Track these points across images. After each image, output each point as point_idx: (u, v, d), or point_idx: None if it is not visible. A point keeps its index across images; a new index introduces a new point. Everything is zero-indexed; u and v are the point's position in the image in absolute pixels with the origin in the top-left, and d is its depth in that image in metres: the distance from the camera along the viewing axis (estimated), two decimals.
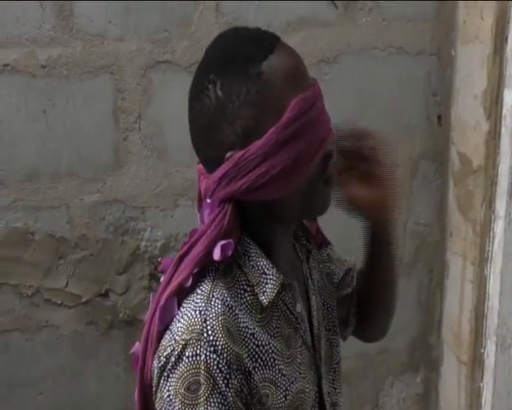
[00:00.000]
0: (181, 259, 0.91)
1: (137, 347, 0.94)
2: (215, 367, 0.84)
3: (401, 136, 1.99)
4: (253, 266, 0.93)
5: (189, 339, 0.85)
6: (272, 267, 0.93)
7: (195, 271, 0.90)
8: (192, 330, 0.86)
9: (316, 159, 0.90)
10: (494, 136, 1.84)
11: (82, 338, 1.85)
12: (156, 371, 0.88)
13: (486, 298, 1.92)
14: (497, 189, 1.85)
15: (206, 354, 0.84)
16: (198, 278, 0.91)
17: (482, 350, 1.96)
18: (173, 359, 0.85)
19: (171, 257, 0.94)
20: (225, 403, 0.84)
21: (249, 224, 0.94)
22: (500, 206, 1.84)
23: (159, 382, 0.87)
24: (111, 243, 1.82)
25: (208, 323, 0.86)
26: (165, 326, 0.90)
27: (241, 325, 0.90)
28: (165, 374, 0.86)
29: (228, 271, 0.92)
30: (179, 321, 0.88)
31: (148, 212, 1.83)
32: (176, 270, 0.91)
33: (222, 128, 0.90)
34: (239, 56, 0.89)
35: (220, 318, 0.86)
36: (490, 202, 1.87)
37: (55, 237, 1.79)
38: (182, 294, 0.90)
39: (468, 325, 2.00)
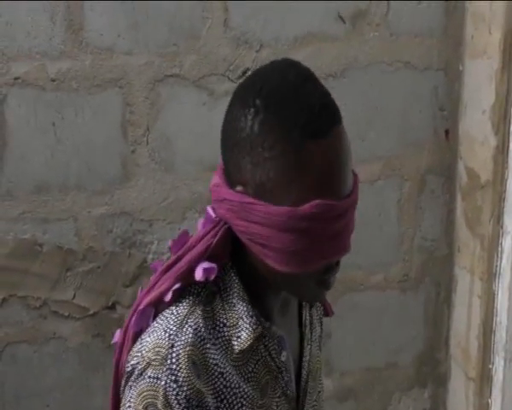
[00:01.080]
0: (167, 269, 0.90)
1: (117, 336, 0.95)
2: (173, 397, 0.82)
3: (409, 150, 1.99)
4: (234, 304, 0.88)
5: (153, 360, 0.84)
6: (251, 316, 0.88)
7: (177, 286, 0.88)
8: (157, 351, 0.84)
9: (316, 267, 0.84)
10: (502, 151, 1.84)
11: (89, 350, 1.85)
12: (125, 375, 0.87)
13: (494, 313, 1.91)
14: (506, 204, 1.85)
15: (166, 381, 0.82)
16: (179, 295, 0.88)
17: (490, 366, 1.95)
18: (136, 372, 0.85)
19: (163, 260, 0.94)
20: None
21: (242, 258, 0.90)
22: (508, 221, 1.84)
23: (124, 387, 0.87)
24: (118, 256, 1.83)
25: (174, 350, 0.83)
26: (139, 329, 0.89)
27: (211, 361, 0.86)
28: (129, 384, 0.86)
29: (210, 299, 0.89)
30: (149, 336, 0.86)
31: (156, 225, 1.84)
32: (160, 278, 0.90)
33: (246, 162, 0.83)
34: (295, 110, 0.80)
35: (188, 348, 0.84)
36: (498, 218, 1.87)
37: (62, 249, 1.79)
38: (161, 305, 0.89)
39: (475, 340, 1.99)
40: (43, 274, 1.79)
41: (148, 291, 0.91)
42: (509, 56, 1.79)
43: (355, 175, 0.87)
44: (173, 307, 0.88)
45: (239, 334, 0.88)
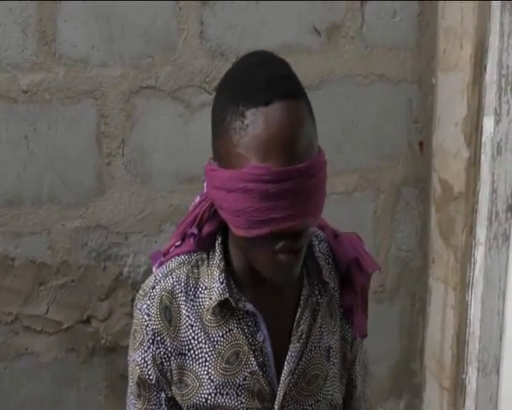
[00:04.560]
0: (177, 228, 1.10)
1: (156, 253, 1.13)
2: (144, 327, 1.02)
3: (383, 163, 2.01)
4: (213, 271, 1.02)
5: (140, 294, 1.05)
6: (221, 283, 1.00)
7: (178, 243, 1.08)
8: (144, 289, 1.05)
9: (263, 232, 0.90)
10: (474, 162, 1.86)
11: (62, 366, 1.82)
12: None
13: (468, 324, 1.93)
14: (478, 215, 1.87)
15: (142, 313, 1.02)
16: (177, 252, 1.06)
17: (464, 376, 1.96)
18: (135, 303, 1.06)
19: (157, 252, 1.12)
20: (146, 359, 1.02)
21: (230, 235, 1.01)
22: (481, 232, 1.86)
23: None
24: (93, 269, 1.80)
25: (153, 291, 1.03)
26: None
27: (184, 311, 1.02)
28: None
29: (199, 264, 1.04)
30: (147, 278, 1.07)
31: (132, 237, 1.82)
32: (172, 236, 1.11)
33: (213, 136, 0.96)
34: (242, 87, 0.91)
35: (163, 293, 1.02)
36: (471, 228, 1.89)
37: (35, 263, 1.76)
38: (165, 258, 1.09)
39: (449, 350, 2.00)
40: (14, 289, 1.76)
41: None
42: (479, 70, 1.82)
43: (319, 152, 0.93)
44: (169, 262, 1.06)
45: (211, 296, 1.01)
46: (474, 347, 1.92)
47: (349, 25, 1.90)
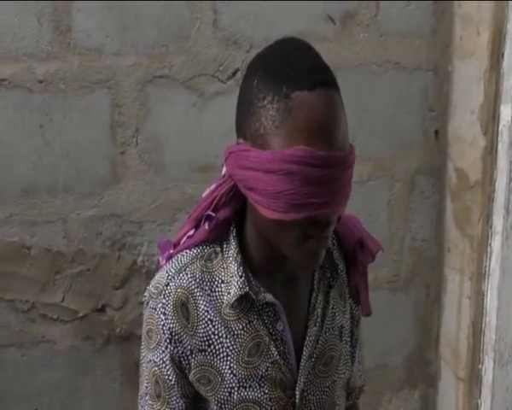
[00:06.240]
0: (189, 216, 1.07)
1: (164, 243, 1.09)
2: (161, 327, 0.99)
3: (398, 151, 2.00)
4: (230, 264, 1.00)
5: (153, 293, 1.01)
6: (240, 276, 0.99)
7: (191, 233, 1.05)
8: (157, 287, 1.01)
9: (299, 216, 0.90)
10: (491, 151, 1.84)
11: (78, 354, 1.84)
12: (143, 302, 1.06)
13: (484, 314, 1.92)
14: (495, 204, 1.85)
15: (158, 313, 0.99)
16: (189, 243, 1.03)
17: (480, 366, 1.95)
18: (145, 302, 1.03)
19: (167, 241, 1.09)
20: (164, 359, 1.00)
21: (248, 224, 1.01)
22: (497, 221, 1.84)
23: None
24: (108, 258, 1.81)
25: (168, 288, 1.00)
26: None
27: (202, 307, 1.00)
28: (143, 311, 1.04)
29: (212, 257, 1.02)
30: (157, 274, 1.04)
31: (146, 226, 1.83)
32: (185, 223, 1.08)
33: (246, 116, 0.93)
34: (286, 69, 0.90)
35: (179, 290, 0.99)
36: (487, 218, 1.87)
37: (51, 252, 1.78)
38: (176, 250, 1.05)
39: (465, 340, 1.99)
40: (31, 277, 1.78)
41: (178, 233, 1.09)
42: (497, 57, 1.80)
43: (351, 146, 0.94)
44: (180, 256, 1.03)
45: (229, 290, 0.99)
46: (490, 337, 1.91)
47: (363, 12, 1.89)
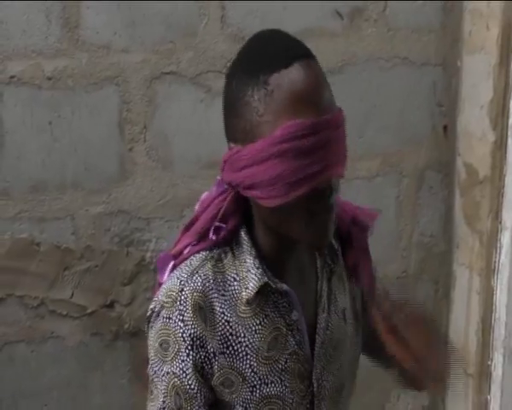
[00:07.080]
0: (187, 229, 1.04)
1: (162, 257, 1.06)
2: (180, 335, 0.95)
3: (407, 147, 1.99)
4: (244, 260, 0.99)
5: (166, 302, 0.97)
6: (257, 268, 0.98)
7: (194, 243, 1.01)
8: (169, 295, 0.97)
9: (303, 190, 0.90)
10: (500, 146, 1.83)
11: (87, 349, 1.85)
12: (146, 319, 1.01)
13: (493, 309, 1.91)
14: (504, 199, 1.84)
15: (175, 321, 0.95)
16: (195, 251, 1.00)
17: (489, 362, 1.95)
18: (154, 314, 0.99)
19: (166, 252, 1.05)
20: (185, 369, 0.96)
21: (255, 221, 1.00)
22: (507, 216, 1.84)
23: (148, 330, 1.01)
24: (116, 254, 1.82)
25: (183, 294, 0.96)
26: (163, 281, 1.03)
27: (217, 309, 0.97)
28: (150, 325, 1.00)
29: (222, 257, 1.00)
30: (166, 283, 1.00)
31: (154, 223, 1.83)
32: (181, 238, 1.04)
33: (232, 119, 0.94)
34: (259, 59, 0.92)
35: (195, 293, 0.96)
36: (496, 213, 1.86)
37: (60, 248, 1.79)
38: (179, 259, 1.02)
39: (474, 336, 1.98)
40: (40, 273, 1.78)
41: (172, 249, 1.05)
42: (506, 52, 1.79)
43: (339, 109, 0.94)
44: (188, 261, 1.00)
45: (247, 285, 0.98)
46: (499, 333, 1.90)
47: (372, 8, 1.88)
